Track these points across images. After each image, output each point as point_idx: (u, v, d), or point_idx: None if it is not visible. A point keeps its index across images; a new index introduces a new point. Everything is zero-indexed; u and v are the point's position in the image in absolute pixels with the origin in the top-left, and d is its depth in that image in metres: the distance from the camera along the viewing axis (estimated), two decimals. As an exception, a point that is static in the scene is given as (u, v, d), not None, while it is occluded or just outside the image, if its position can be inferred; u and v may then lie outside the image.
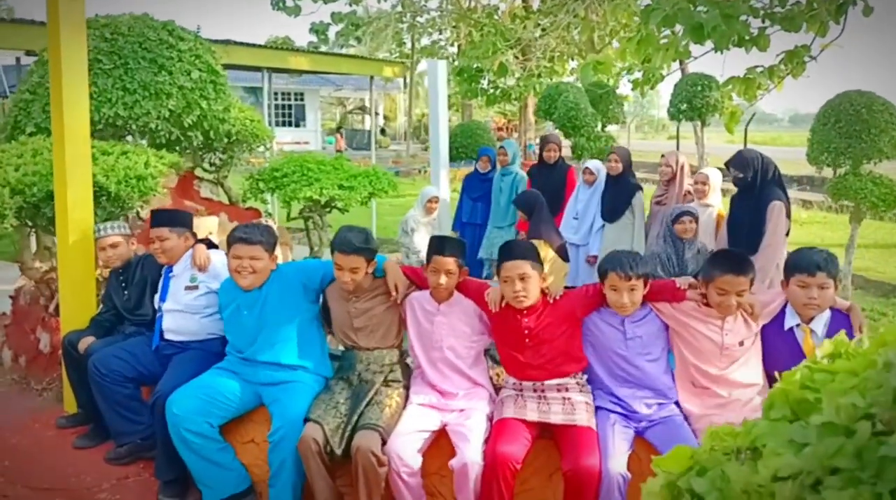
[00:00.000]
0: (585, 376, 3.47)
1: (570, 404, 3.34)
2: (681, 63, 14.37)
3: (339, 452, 3.28)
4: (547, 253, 5.70)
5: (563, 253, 5.93)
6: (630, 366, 3.38)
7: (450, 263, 3.48)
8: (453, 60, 31.94)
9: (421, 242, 6.95)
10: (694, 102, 10.23)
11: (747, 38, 10.37)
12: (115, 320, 4.40)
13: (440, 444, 3.42)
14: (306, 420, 3.35)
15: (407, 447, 3.26)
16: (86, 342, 4.17)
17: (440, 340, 3.54)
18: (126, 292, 4.33)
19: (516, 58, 24.25)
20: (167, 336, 4.07)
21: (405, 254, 7.16)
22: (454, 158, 12.72)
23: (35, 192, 4.33)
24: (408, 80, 37.84)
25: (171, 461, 3.78)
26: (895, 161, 7.58)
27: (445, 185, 7.29)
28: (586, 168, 6.60)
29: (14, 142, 4.90)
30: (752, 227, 5.14)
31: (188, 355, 3.96)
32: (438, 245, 3.53)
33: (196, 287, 4.06)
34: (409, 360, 3.78)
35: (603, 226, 6.45)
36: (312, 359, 3.70)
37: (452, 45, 31.77)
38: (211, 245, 4.23)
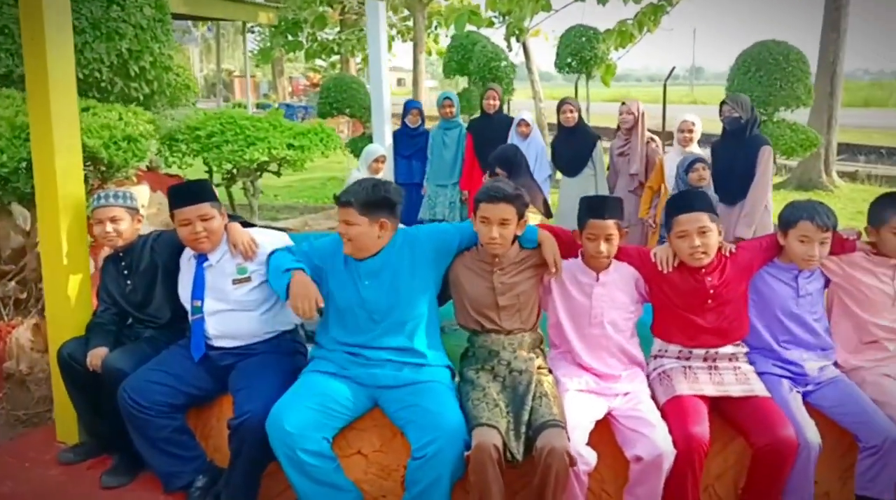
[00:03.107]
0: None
1: (742, 373, 3.08)
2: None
3: (520, 457, 2.76)
4: (536, 214, 5.38)
5: (547, 209, 5.63)
6: (798, 326, 3.16)
7: (610, 226, 3.02)
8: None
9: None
10: (583, 55, 10.20)
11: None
12: (120, 320, 3.49)
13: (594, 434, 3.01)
14: (477, 425, 2.77)
15: (581, 440, 2.82)
16: (98, 355, 3.24)
17: (600, 315, 3.10)
18: (129, 283, 3.42)
19: (333, 8, 23.36)
20: (217, 343, 3.25)
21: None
22: (325, 114, 11.84)
23: (5, 161, 3.26)
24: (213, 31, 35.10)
25: (248, 491, 3.08)
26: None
27: (389, 141, 6.66)
28: (522, 120, 6.32)
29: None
30: (743, 171, 5.14)
31: (259, 361, 3.19)
32: (596, 207, 3.05)
33: (248, 279, 3.24)
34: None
35: (547, 179, 6.25)
36: (440, 349, 3.12)
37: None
38: (246, 224, 3.41)
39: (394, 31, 26.14)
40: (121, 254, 3.45)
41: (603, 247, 3.01)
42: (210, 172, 6.46)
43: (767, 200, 5.24)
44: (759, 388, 2.99)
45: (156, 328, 3.45)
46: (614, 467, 2.97)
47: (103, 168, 3.59)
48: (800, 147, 7.54)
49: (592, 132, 6.09)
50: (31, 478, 3.31)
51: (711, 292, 3.03)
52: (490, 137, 6.23)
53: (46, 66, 3.16)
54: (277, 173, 6.45)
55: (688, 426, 2.81)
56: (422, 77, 21.03)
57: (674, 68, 17.54)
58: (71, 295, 3.44)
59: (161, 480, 3.19)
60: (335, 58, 27.48)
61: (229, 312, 3.23)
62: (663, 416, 2.91)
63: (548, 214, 5.70)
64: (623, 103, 6.08)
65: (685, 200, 3.05)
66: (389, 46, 25.64)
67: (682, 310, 3.08)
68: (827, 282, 3.26)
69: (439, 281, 3.20)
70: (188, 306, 3.27)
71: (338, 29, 24.68)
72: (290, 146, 5.82)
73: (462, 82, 13.04)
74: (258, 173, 6.34)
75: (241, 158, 5.62)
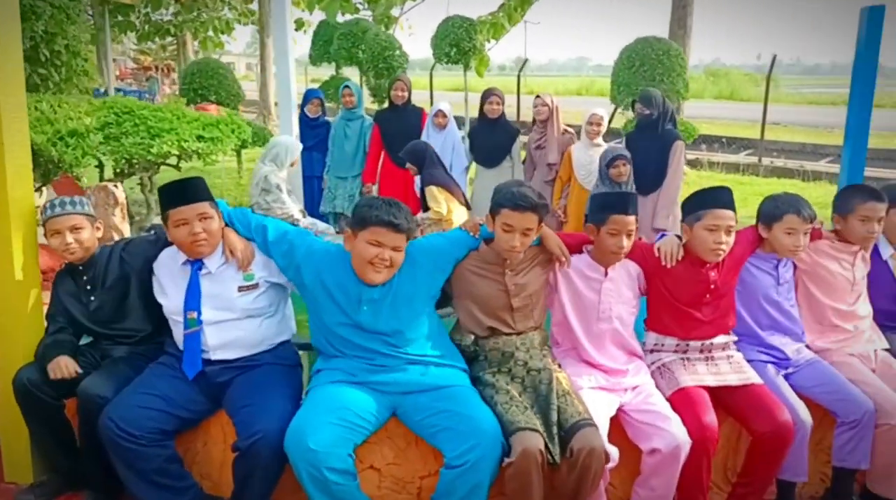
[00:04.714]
0: None
1: (735, 362, 3.23)
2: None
3: (558, 460, 2.73)
4: (455, 204, 5.38)
5: (466, 201, 5.63)
6: (778, 312, 3.36)
7: (631, 222, 3.05)
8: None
9: (292, 203, 6.00)
10: (462, 45, 10.22)
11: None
12: (76, 338, 3.12)
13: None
14: (518, 430, 2.71)
15: (605, 437, 2.86)
16: (62, 365, 2.87)
17: (608, 309, 3.14)
18: (93, 299, 3.06)
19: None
20: (216, 356, 2.97)
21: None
22: (189, 101, 11.18)
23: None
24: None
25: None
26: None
27: (296, 132, 6.35)
28: (439, 111, 6.27)
29: None
30: (657, 165, 5.42)
31: (263, 374, 2.95)
32: (620, 202, 3.05)
33: (255, 285, 3.00)
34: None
35: (464, 171, 6.28)
36: (455, 351, 3.04)
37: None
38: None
39: (234, 14, 25.02)
40: (80, 267, 3.07)
41: (625, 242, 3.04)
42: (101, 166, 5.90)
43: (679, 193, 5.52)
44: (752, 375, 3.14)
45: (132, 344, 3.11)
46: (619, 460, 3.02)
47: (44, 168, 3.15)
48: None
49: (513, 126, 6.13)
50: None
51: (712, 286, 3.15)
52: (399, 130, 6.11)
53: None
54: (177, 167, 6.01)
55: (700, 415, 2.91)
56: (269, 63, 20.32)
57: (527, 60, 18.13)
58: (24, 315, 3.01)
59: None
60: (169, 40, 26.00)
61: (232, 322, 2.98)
62: (672, 407, 2.99)
63: (468, 205, 5.71)
64: (538, 96, 6.16)
65: (724, 196, 3.11)
66: (227, 29, 24.63)
67: (681, 304, 3.18)
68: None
69: (438, 293, 3.11)
70: (177, 319, 2.97)
71: (174, 10, 23.37)
72: (199, 138, 5.42)
73: (326, 71, 12.71)
74: (157, 167, 5.87)
75: (148, 151, 5.15)
